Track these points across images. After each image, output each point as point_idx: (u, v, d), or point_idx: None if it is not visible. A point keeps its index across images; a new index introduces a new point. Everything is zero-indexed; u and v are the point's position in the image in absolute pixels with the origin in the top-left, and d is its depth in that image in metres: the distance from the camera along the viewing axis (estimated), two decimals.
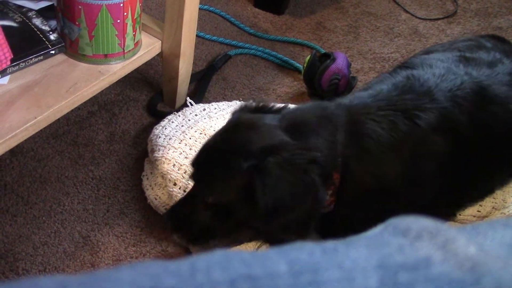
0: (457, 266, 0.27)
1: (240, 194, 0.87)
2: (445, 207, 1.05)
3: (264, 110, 0.98)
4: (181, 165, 1.08)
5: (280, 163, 0.83)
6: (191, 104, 1.28)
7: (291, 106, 1.01)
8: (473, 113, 0.96)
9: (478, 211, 1.11)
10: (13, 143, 0.95)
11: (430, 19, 1.77)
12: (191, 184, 1.07)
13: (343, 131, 0.90)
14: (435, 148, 0.93)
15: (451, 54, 1.09)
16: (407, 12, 1.79)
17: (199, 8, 1.19)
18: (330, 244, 0.29)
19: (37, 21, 1.08)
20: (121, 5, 1.03)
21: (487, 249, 0.29)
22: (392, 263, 0.27)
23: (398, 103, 0.93)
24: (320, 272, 0.26)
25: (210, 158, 0.91)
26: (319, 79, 1.34)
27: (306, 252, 0.28)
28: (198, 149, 0.95)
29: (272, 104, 0.99)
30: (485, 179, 1.06)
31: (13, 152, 1.16)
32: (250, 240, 1.02)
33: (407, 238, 0.29)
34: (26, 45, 1.04)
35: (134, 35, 1.11)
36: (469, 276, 0.26)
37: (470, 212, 1.10)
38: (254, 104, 0.99)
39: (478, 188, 1.08)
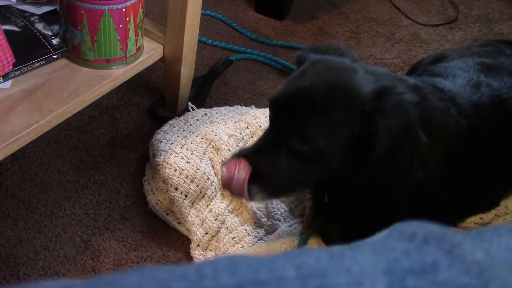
0: (465, 271, 0.27)
1: (345, 141, 0.82)
2: (447, 215, 1.05)
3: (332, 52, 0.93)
4: (182, 169, 1.08)
5: (396, 105, 0.80)
6: (193, 109, 1.28)
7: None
8: (491, 125, 0.97)
9: (481, 218, 1.11)
10: (14, 148, 0.95)
11: (431, 25, 1.77)
12: (192, 188, 1.07)
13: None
14: (457, 152, 0.94)
15: (471, 60, 1.09)
16: (408, 18, 1.79)
17: (201, 13, 1.19)
18: (336, 249, 0.29)
19: (40, 26, 1.08)
20: (124, 10, 1.04)
21: (494, 255, 0.29)
22: (399, 268, 0.27)
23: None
24: (328, 276, 0.26)
25: (308, 100, 0.82)
26: None
27: (312, 257, 0.28)
28: (281, 89, 0.87)
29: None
30: (491, 190, 1.07)
31: (15, 156, 1.16)
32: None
33: (413, 243, 0.29)
34: (29, 49, 1.04)
35: (136, 40, 1.11)
36: (476, 281, 0.26)
37: (472, 219, 1.10)
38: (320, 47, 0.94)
39: (483, 199, 1.09)
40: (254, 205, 1.08)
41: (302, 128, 0.83)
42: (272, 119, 0.88)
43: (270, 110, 0.89)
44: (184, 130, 1.17)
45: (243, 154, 0.87)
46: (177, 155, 1.11)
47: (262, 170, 0.86)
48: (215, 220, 1.07)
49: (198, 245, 1.05)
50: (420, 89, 0.92)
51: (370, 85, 0.83)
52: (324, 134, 0.82)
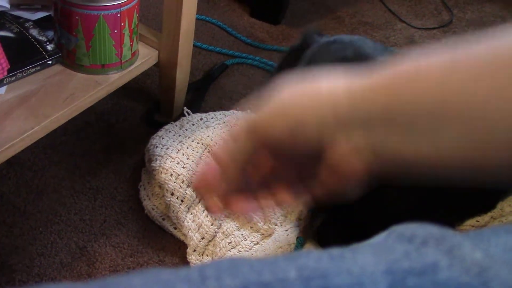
0: (464, 271, 0.27)
1: None
2: (447, 216, 1.05)
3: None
4: (178, 174, 1.08)
5: None
6: (188, 114, 1.28)
7: None
8: None
9: (477, 220, 1.11)
10: (9, 154, 0.95)
11: (426, 29, 1.78)
12: (189, 193, 1.07)
13: None
14: None
15: None
16: (402, 21, 1.80)
17: (196, 18, 1.19)
18: (336, 251, 0.29)
19: (34, 32, 1.08)
20: (118, 15, 1.04)
21: (493, 255, 0.29)
22: (399, 269, 0.27)
23: None
24: (330, 277, 0.26)
25: None
26: None
27: (313, 259, 0.28)
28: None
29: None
30: (490, 190, 1.07)
31: (10, 162, 1.15)
32: None
33: (413, 244, 0.29)
34: (23, 55, 1.04)
35: (131, 45, 1.11)
36: (476, 281, 0.26)
37: (468, 222, 1.10)
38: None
39: (482, 200, 1.09)
40: None
41: None
42: None
43: None
44: (179, 135, 1.17)
45: None
46: (173, 160, 1.10)
47: None
48: (212, 225, 1.07)
49: (195, 250, 1.05)
50: None
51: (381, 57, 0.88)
52: None
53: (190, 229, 1.05)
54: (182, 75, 1.25)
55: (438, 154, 0.32)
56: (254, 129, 0.36)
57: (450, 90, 0.31)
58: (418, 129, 0.32)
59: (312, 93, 0.33)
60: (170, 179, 1.08)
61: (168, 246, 1.08)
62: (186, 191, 1.07)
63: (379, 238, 0.32)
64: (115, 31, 1.05)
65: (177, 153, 1.12)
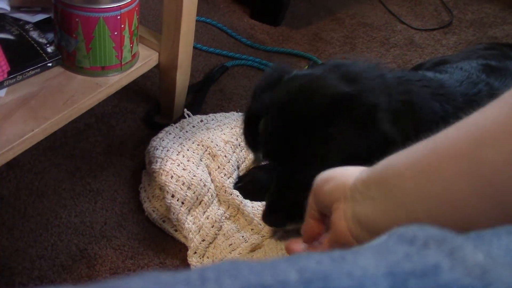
0: (466, 273, 0.27)
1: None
2: None
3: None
4: (179, 176, 1.08)
5: (347, 127, 0.84)
6: (189, 116, 1.28)
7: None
8: None
9: None
10: (10, 156, 0.95)
11: (426, 30, 1.78)
12: (189, 195, 1.06)
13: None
14: None
15: (476, 62, 1.08)
16: (402, 22, 1.80)
17: (196, 20, 1.19)
18: (336, 253, 0.29)
19: (34, 34, 1.08)
20: (118, 17, 1.03)
21: (494, 256, 0.29)
22: (400, 271, 0.27)
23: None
24: (331, 279, 0.26)
25: (292, 140, 0.88)
26: None
27: (314, 261, 0.28)
28: (267, 138, 0.93)
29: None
30: None
31: (10, 165, 1.15)
32: None
33: (414, 246, 0.29)
34: (23, 58, 1.03)
35: (131, 47, 1.11)
36: (478, 283, 0.26)
37: None
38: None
39: None
40: (251, 212, 1.08)
41: (301, 160, 0.89)
42: (274, 164, 0.95)
43: (269, 160, 0.96)
44: (180, 137, 1.17)
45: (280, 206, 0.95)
46: (173, 162, 1.10)
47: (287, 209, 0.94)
48: (212, 227, 1.07)
49: (195, 252, 1.05)
50: (401, 78, 0.93)
51: (327, 102, 0.86)
52: (318, 159, 0.88)
53: (190, 231, 1.05)
54: (182, 77, 1.25)
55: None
56: (313, 194, 0.56)
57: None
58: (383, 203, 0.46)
59: (338, 177, 0.53)
60: (171, 181, 1.07)
61: (169, 248, 1.08)
62: (187, 193, 1.07)
63: (380, 240, 0.32)
64: (115, 33, 1.05)
65: (177, 155, 1.12)
